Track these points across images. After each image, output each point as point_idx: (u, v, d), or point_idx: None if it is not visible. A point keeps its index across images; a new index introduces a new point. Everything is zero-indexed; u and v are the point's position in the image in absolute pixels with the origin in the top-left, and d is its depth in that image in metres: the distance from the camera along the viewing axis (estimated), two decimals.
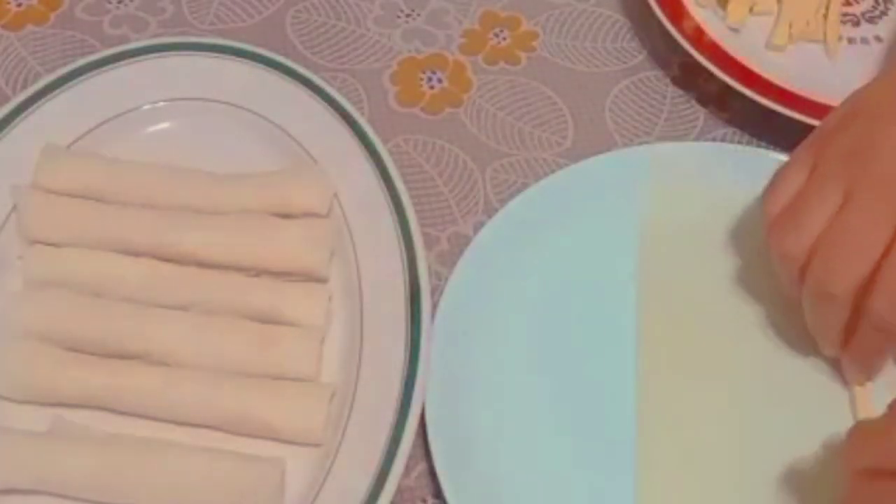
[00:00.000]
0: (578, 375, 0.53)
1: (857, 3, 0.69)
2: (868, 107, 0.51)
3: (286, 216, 0.55)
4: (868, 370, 0.52)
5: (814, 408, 0.52)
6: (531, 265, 0.56)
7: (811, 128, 0.53)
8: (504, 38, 0.67)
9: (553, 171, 0.60)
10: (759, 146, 0.62)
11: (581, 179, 0.59)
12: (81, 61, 0.60)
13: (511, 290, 0.55)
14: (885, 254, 0.47)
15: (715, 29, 0.64)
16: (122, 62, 0.60)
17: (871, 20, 0.68)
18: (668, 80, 0.66)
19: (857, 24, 0.68)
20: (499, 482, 0.49)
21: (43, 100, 0.58)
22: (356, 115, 0.58)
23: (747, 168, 0.58)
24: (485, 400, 0.52)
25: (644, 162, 0.59)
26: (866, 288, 0.48)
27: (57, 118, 0.58)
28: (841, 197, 0.48)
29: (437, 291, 0.55)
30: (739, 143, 0.63)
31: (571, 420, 0.52)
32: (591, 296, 0.56)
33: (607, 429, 0.52)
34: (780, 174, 0.52)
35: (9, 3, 0.67)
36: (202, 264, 0.54)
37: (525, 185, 0.59)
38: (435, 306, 0.53)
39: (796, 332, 0.53)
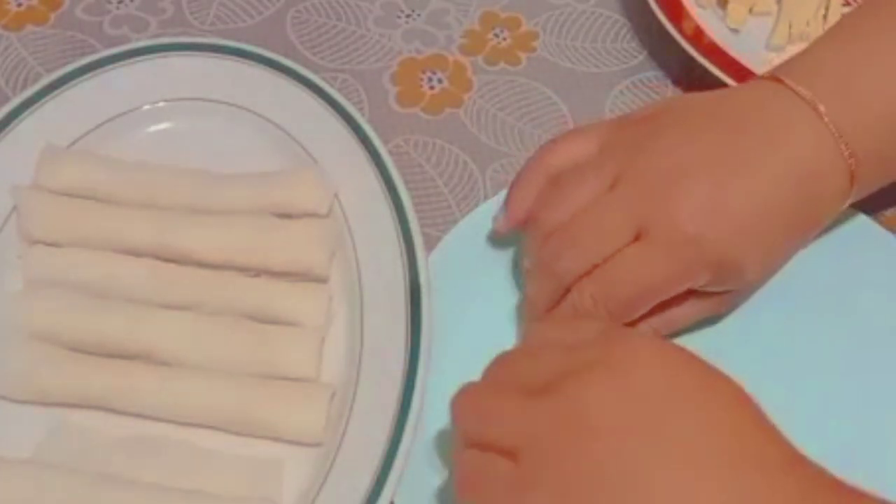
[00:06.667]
0: None
1: (856, 3, 0.69)
2: (673, 108, 0.51)
3: (287, 216, 0.55)
4: None
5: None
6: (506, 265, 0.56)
7: None
8: (504, 39, 0.67)
9: None
10: None
11: None
12: (82, 61, 0.60)
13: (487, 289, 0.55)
14: (618, 249, 0.48)
15: (715, 29, 0.64)
16: (123, 62, 0.60)
17: None
18: (667, 81, 0.66)
19: None
20: None
21: (43, 100, 0.58)
22: (357, 115, 0.58)
23: None
24: None
25: None
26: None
27: (57, 118, 0.58)
28: (609, 182, 0.49)
29: None
30: None
31: None
32: None
33: None
34: (568, 136, 0.53)
35: (9, 2, 0.67)
36: (202, 264, 0.54)
37: None
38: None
39: None
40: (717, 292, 0.50)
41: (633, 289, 0.48)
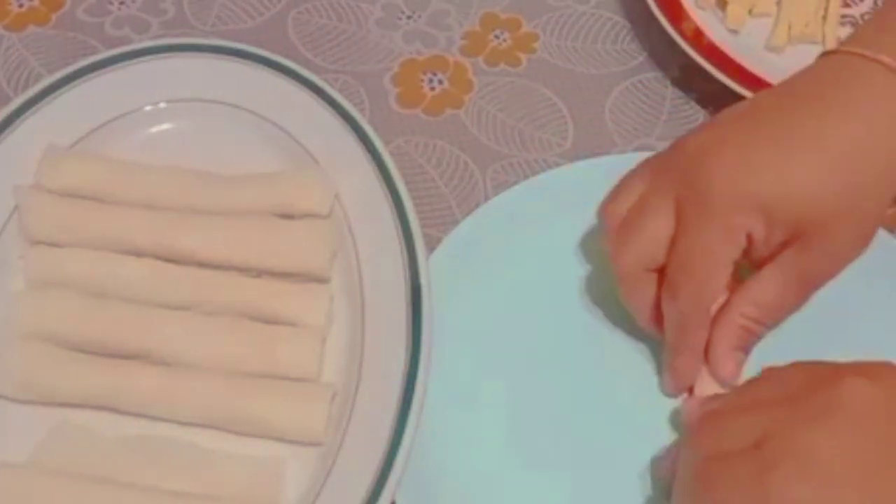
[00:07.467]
0: (560, 382, 0.53)
1: (856, 4, 0.69)
2: (715, 133, 0.50)
3: (288, 217, 0.55)
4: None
5: None
6: (505, 267, 0.56)
7: None
8: (504, 40, 0.67)
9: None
10: None
11: (555, 185, 0.59)
12: (83, 62, 0.60)
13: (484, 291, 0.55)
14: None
15: (714, 30, 0.65)
16: (124, 63, 0.60)
17: None
18: (667, 82, 0.66)
19: (855, 25, 0.68)
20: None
21: (45, 100, 0.58)
22: (358, 116, 0.58)
23: None
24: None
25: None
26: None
27: (59, 119, 0.58)
28: (672, 210, 0.49)
29: None
30: None
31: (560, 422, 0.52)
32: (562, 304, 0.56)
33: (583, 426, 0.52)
34: (622, 183, 0.53)
35: (10, 3, 0.67)
36: (203, 265, 0.54)
37: None
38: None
39: None
40: (802, 262, 0.49)
41: (688, 264, 0.48)
